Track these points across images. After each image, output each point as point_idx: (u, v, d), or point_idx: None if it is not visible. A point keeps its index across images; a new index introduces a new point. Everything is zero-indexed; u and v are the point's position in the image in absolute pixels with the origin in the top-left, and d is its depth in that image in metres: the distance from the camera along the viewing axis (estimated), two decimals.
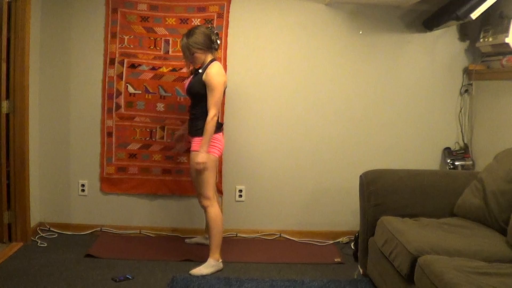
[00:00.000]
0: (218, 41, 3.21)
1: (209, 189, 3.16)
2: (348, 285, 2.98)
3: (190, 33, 3.13)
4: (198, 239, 3.68)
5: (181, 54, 3.67)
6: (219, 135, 3.19)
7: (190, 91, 3.18)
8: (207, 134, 3.04)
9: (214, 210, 3.17)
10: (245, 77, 3.77)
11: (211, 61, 3.15)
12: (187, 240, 3.69)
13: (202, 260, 3.25)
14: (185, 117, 3.74)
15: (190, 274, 3.07)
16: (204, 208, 3.20)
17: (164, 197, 3.82)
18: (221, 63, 3.70)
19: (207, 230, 3.35)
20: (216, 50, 3.23)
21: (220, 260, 3.21)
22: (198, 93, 3.11)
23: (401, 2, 3.57)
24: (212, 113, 3.03)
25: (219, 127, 3.19)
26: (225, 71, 3.72)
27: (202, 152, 3.05)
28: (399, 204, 2.96)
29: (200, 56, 3.13)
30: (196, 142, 3.13)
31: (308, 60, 3.78)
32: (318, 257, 3.50)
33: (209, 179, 3.15)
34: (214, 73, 3.07)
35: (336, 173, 3.88)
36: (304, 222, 3.89)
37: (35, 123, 3.66)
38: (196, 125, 3.15)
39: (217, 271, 3.16)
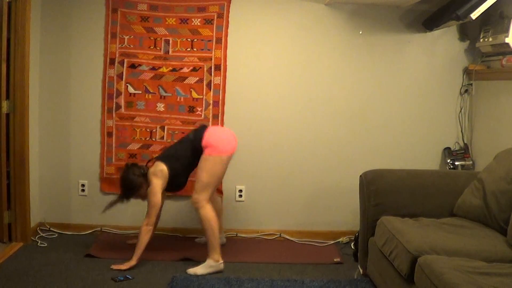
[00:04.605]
0: (143, 171, 3.24)
1: (206, 196, 3.14)
2: (348, 285, 2.98)
3: (124, 187, 3.26)
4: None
5: (181, 54, 3.70)
6: (213, 135, 3.22)
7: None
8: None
9: (204, 211, 3.12)
10: (245, 77, 3.77)
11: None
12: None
13: (202, 260, 3.25)
14: (185, 117, 3.75)
15: (187, 273, 3.08)
16: (196, 209, 3.17)
17: None
18: (221, 63, 3.72)
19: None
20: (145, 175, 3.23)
21: (221, 261, 3.15)
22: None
23: (401, 2, 3.57)
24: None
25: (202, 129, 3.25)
26: (225, 71, 3.73)
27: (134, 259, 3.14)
28: (399, 204, 2.96)
29: (142, 191, 3.23)
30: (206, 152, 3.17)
31: (308, 60, 3.78)
32: (318, 257, 3.50)
33: (212, 180, 3.15)
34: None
35: (336, 173, 3.88)
36: (304, 222, 3.89)
37: (35, 123, 3.66)
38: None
39: (216, 272, 3.12)
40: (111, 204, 3.33)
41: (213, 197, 3.38)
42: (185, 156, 3.22)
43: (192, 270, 3.11)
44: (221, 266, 3.15)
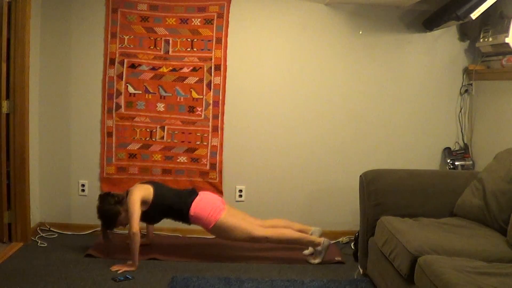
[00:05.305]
0: (116, 199, 3.26)
1: (248, 229, 3.24)
2: (348, 285, 2.98)
3: (103, 219, 3.28)
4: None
5: (181, 54, 3.70)
6: (203, 200, 3.29)
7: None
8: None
9: (269, 237, 3.26)
10: (245, 77, 3.77)
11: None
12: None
13: (201, 260, 3.25)
14: (185, 117, 3.75)
15: (188, 273, 3.08)
16: (265, 242, 3.30)
17: None
18: (221, 63, 3.72)
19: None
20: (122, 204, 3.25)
21: (323, 240, 3.34)
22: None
23: (401, 2, 3.57)
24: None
25: (191, 194, 3.32)
26: (225, 71, 3.73)
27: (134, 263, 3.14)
28: (399, 204, 2.96)
29: (122, 217, 3.25)
30: (197, 215, 3.24)
31: (308, 60, 3.78)
32: None
33: (236, 226, 3.23)
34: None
35: (336, 173, 3.88)
36: (304, 222, 3.87)
37: (35, 123, 3.66)
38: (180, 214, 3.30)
39: (328, 248, 3.37)
40: (104, 237, 3.35)
41: (266, 223, 3.41)
42: (174, 201, 3.28)
43: (312, 260, 3.35)
44: (326, 242, 3.36)
